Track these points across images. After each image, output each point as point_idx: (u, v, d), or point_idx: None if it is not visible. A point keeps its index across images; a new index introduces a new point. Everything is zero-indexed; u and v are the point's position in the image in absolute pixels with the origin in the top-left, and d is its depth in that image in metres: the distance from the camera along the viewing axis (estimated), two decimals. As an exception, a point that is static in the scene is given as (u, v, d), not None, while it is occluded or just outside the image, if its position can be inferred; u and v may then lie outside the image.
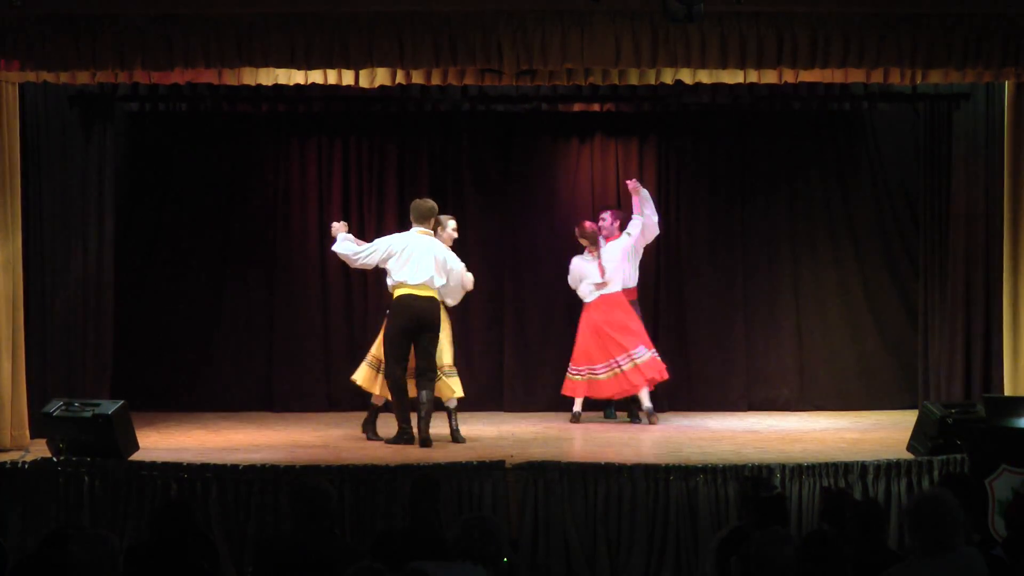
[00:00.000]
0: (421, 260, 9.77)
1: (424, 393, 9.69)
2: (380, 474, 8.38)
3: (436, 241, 9.93)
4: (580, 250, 11.10)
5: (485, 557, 5.10)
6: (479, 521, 5.26)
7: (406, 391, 9.79)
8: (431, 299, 9.77)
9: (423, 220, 9.92)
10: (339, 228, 10.06)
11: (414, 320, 9.69)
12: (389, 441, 9.79)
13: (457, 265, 9.95)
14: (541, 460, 8.64)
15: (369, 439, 10.01)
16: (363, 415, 10.58)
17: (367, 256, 9.93)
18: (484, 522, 5.26)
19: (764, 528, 5.35)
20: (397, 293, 9.80)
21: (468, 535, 5.14)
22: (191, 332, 11.92)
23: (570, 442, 9.99)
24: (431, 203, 10.02)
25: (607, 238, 11.04)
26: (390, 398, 9.93)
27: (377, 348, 10.08)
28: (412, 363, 9.83)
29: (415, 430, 9.70)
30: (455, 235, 10.15)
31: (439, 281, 9.80)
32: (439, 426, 9.89)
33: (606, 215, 11.15)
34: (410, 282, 9.74)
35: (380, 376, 10.01)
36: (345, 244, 9.99)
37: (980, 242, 10.84)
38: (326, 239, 11.99)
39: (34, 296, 10.27)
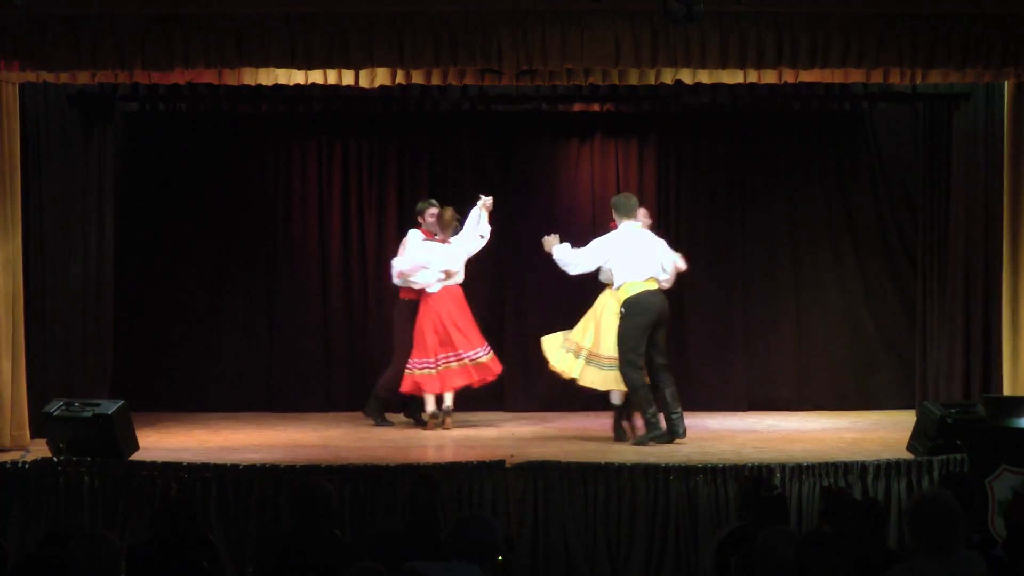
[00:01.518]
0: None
1: (670, 389, 9.72)
2: (380, 474, 8.38)
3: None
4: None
5: (480, 556, 5.09)
6: (473, 520, 5.25)
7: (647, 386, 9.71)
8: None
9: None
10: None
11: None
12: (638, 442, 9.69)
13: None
14: (541, 460, 8.65)
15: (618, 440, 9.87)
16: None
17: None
18: (478, 520, 5.24)
19: (766, 528, 5.35)
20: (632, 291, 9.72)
21: (462, 534, 5.13)
22: (191, 332, 11.92)
23: (571, 442, 9.98)
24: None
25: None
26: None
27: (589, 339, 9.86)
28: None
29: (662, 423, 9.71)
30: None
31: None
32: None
33: None
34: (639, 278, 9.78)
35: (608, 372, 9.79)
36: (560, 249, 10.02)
37: (980, 242, 10.84)
38: (326, 239, 12.03)
39: (34, 296, 10.27)
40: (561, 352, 9.96)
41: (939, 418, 8.79)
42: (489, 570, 5.12)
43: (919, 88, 10.82)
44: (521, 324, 11.95)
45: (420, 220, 10.67)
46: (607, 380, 9.80)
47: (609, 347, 9.73)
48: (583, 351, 9.87)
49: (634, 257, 9.79)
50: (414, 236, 10.60)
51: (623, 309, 9.72)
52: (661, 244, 10.04)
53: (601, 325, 9.83)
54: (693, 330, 11.93)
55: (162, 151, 11.99)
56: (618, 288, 9.79)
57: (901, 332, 11.90)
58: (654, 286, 9.81)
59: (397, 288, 10.79)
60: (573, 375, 9.89)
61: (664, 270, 9.92)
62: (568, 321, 11.70)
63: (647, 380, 9.68)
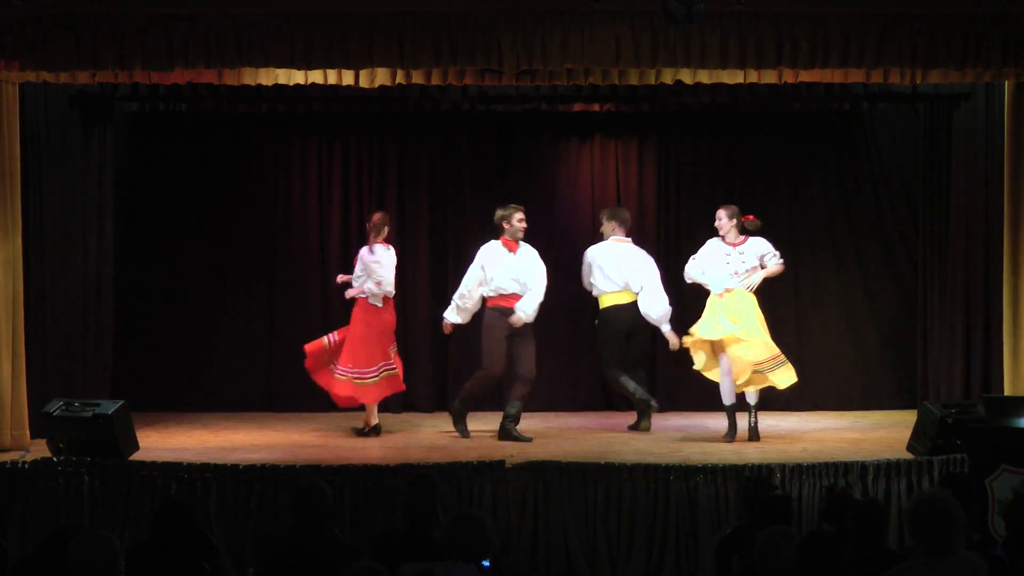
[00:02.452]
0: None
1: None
2: (380, 474, 8.39)
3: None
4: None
5: (475, 555, 5.05)
6: (467, 518, 5.20)
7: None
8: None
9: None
10: None
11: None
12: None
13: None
14: (541, 460, 8.65)
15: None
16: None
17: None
18: (472, 519, 5.20)
19: (768, 527, 5.34)
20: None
21: (456, 533, 5.09)
22: (191, 332, 11.92)
23: (571, 442, 9.99)
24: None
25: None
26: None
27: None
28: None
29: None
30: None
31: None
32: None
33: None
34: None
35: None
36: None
37: (980, 242, 10.84)
38: (326, 238, 12.03)
39: (34, 296, 10.27)
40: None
41: (939, 418, 8.79)
42: (488, 570, 5.11)
43: (919, 88, 10.82)
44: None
45: (506, 226, 10.37)
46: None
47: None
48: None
49: (603, 271, 10.48)
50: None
51: (597, 320, 10.65)
52: (636, 257, 10.50)
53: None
54: (693, 330, 11.92)
55: (162, 151, 11.98)
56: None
57: (901, 332, 11.90)
58: (627, 299, 10.46)
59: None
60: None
61: (637, 284, 10.44)
62: (568, 320, 11.73)
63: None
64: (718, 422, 10.95)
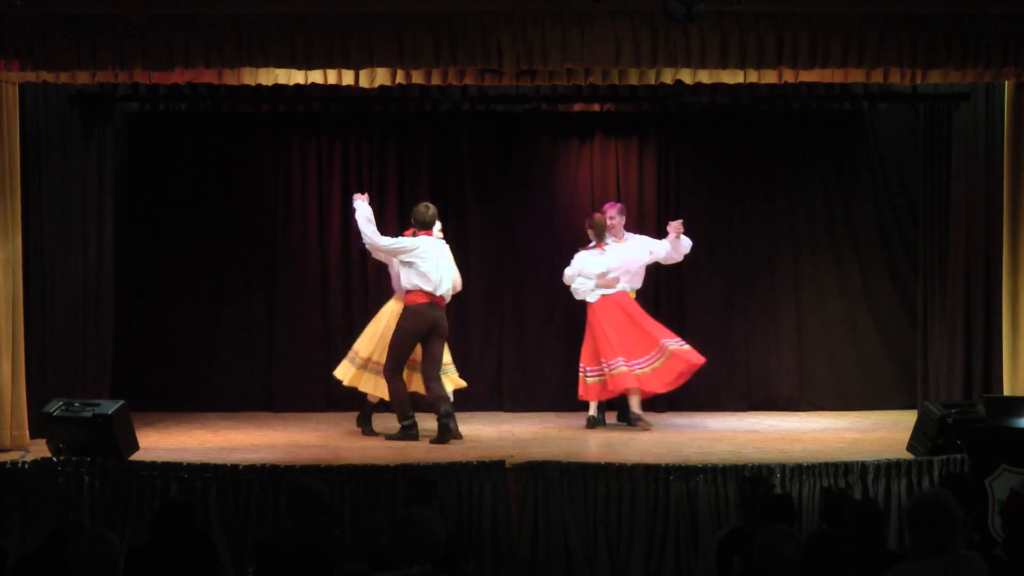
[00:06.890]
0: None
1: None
2: (380, 474, 8.39)
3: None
4: (578, 247, 11.06)
5: (421, 557, 4.77)
6: (407, 519, 4.91)
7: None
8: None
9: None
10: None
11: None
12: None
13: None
14: (541, 460, 8.65)
15: (365, 434, 10.18)
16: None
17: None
18: (411, 520, 4.91)
19: (769, 527, 5.34)
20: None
21: (396, 537, 4.84)
22: (191, 332, 11.92)
23: (570, 442, 9.99)
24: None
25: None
26: (383, 397, 10.16)
27: (367, 348, 10.24)
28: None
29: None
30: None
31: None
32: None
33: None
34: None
35: (368, 374, 10.21)
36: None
37: (980, 242, 10.84)
38: (326, 238, 12.03)
39: (34, 296, 10.27)
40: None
41: (939, 418, 8.80)
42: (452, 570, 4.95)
43: (919, 88, 10.82)
44: (520, 323, 11.95)
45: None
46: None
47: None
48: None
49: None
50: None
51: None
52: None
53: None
54: (693, 330, 11.91)
55: (162, 151, 11.99)
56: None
57: (901, 332, 11.90)
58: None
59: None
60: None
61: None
62: (568, 320, 11.75)
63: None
64: (718, 422, 11.00)
